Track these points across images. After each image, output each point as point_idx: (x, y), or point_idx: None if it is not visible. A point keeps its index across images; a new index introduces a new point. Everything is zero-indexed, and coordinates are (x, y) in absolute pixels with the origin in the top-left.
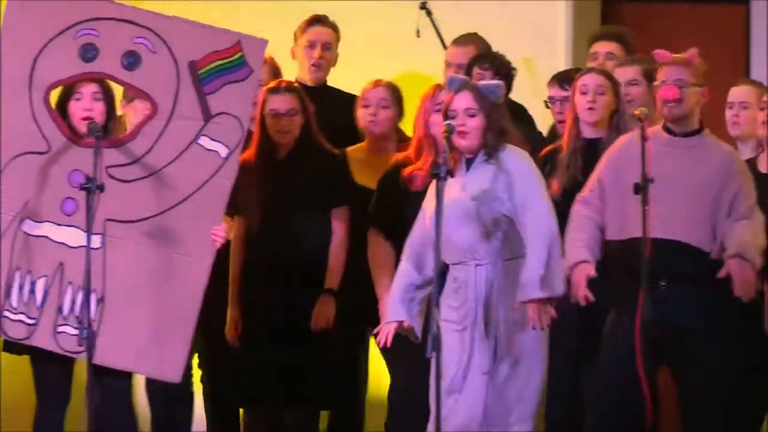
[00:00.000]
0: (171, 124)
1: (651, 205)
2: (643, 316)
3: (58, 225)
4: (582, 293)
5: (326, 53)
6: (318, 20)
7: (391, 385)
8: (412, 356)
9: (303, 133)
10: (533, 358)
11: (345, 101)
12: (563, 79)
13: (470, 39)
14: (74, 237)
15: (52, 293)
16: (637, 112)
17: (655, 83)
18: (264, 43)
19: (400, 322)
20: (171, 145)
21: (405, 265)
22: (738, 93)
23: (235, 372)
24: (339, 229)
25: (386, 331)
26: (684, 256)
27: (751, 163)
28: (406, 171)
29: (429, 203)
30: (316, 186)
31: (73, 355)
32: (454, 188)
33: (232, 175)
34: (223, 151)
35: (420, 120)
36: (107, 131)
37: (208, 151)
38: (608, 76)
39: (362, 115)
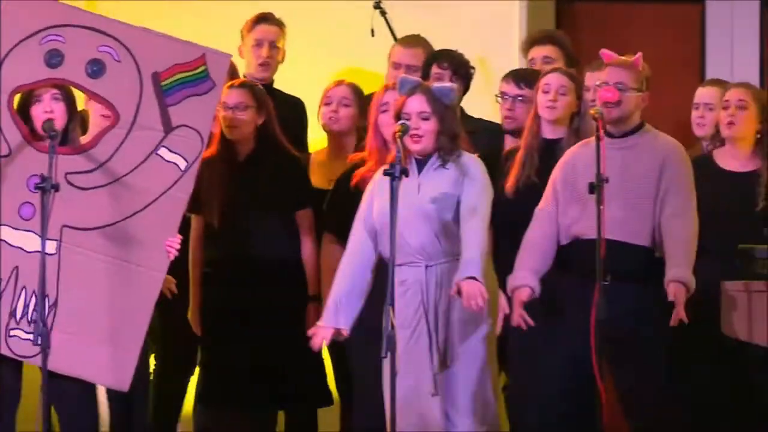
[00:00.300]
0: (132, 134)
1: (589, 206)
2: (598, 315)
3: (15, 229)
4: (516, 319)
5: (273, 51)
6: (264, 18)
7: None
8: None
9: (263, 133)
10: (483, 359)
11: (286, 102)
12: (519, 78)
13: (418, 41)
14: (30, 242)
15: (5, 297)
16: (592, 111)
17: (597, 83)
18: (228, 57)
19: (338, 330)
20: (131, 154)
21: (348, 265)
22: (704, 94)
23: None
24: (306, 234)
25: (322, 335)
26: (623, 255)
27: (707, 157)
28: (357, 174)
29: (376, 201)
30: (277, 187)
31: (25, 360)
32: (408, 189)
33: (189, 189)
34: (182, 164)
35: (370, 121)
36: (67, 132)
37: (167, 163)
38: (572, 77)
39: (323, 113)
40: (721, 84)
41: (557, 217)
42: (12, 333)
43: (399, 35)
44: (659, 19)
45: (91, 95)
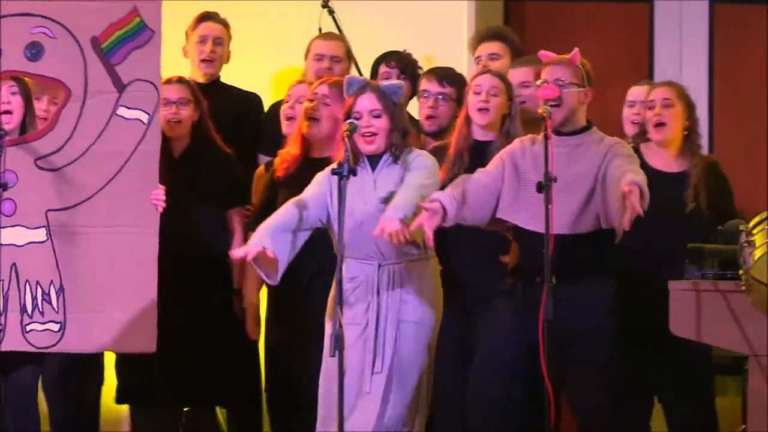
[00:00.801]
0: (87, 104)
1: (535, 202)
2: (546, 315)
3: (2, 227)
4: (415, 224)
5: (217, 48)
6: (208, 17)
7: (270, 385)
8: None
9: (198, 130)
10: (424, 363)
11: (238, 96)
12: (442, 76)
13: (336, 35)
14: (19, 236)
15: (11, 295)
16: (540, 110)
17: (537, 83)
18: (159, 2)
19: (264, 250)
20: (92, 123)
21: (290, 207)
22: (638, 92)
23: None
24: (236, 231)
25: (245, 250)
26: (568, 250)
27: (635, 149)
28: (276, 160)
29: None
30: (211, 184)
31: (47, 350)
32: (366, 185)
33: (157, 140)
34: (144, 117)
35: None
36: (25, 125)
37: (130, 120)
38: (503, 79)
39: (282, 110)
40: (653, 84)
41: (500, 183)
42: (29, 328)
43: (347, 34)
44: (608, 18)
45: (37, 78)
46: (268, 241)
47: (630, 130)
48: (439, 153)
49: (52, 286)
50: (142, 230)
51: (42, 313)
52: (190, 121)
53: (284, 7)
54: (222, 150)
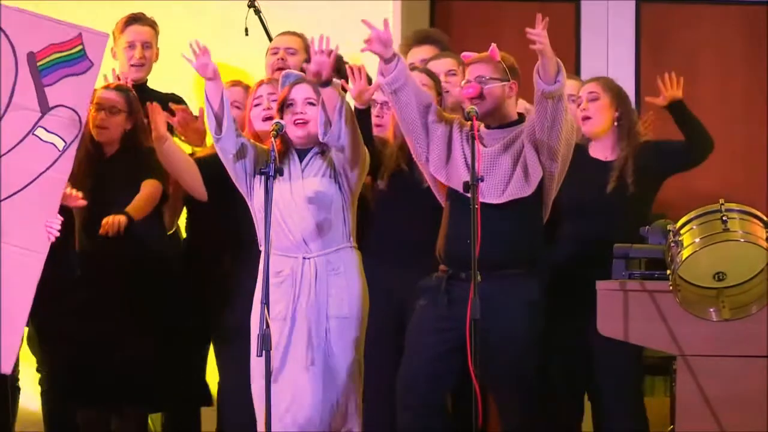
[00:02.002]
0: (7, 114)
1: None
2: (473, 314)
3: None
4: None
5: (147, 52)
6: (135, 19)
7: (220, 385)
8: (241, 355)
9: (129, 139)
10: (355, 353)
11: (163, 101)
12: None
13: (295, 32)
14: None
15: None
16: (467, 110)
17: (461, 83)
18: (105, 37)
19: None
20: (7, 135)
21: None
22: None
23: (64, 370)
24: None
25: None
26: (488, 242)
27: (581, 146)
28: None
29: (257, 196)
30: (138, 180)
31: None
32: (293, 176)
33: (67, 169)
34: (60, 144)
35: (245, 115)
36: None
37: (45, 143)
38: (429, 74)
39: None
40: (577, 78)
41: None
42: None
43: (273, 34)
44: (533, 17)
45: None
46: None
47: None
48: (380, 147)
49: None
50: (29, 254)
51: None
52: (119, 129)
53: (210, 7)
54: (152, 154)
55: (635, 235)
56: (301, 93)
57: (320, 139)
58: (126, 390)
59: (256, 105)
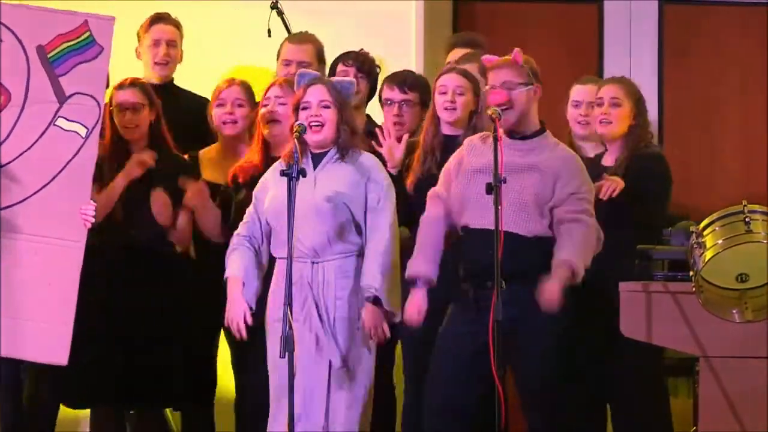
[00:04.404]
0: (26, 110)
1: (482, 200)
2: (495, 316)
3: None
4: (412, 319)
5: (171, 50)
6: (160, 18)
7: (237, 386)
8: (258, 356)
9: (154, 132)
10: (366, 359)
11: (191, 100)
12: (402, 82)
13: (307, 37)
14: None
15: None
16: (490, 111)
17: (485, 89)
18: (111, 20)
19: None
20: (29, 130)
21: (245, 252)
22: (584, 91)
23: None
24: (183, 229)
25: (238, 324)
26: (510, 248)
27: (596, 161)
28: (236, 166)
29: (270, 192)
30: (168, 189)
31: None
32: (304, 184)
33: (93, 155)
34: (82, 131)
35: (257, 116)
36: None
37: (68, 133)
38: (468, 76)
39: (217, 115)
40: (597, 81)
41: (448, 201)
42: None
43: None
44: (557, 18)
45: None
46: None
47: (579, 129)
48: (407, 151)
49: None
50: (68, 243)
51: None
52: (146, 124)
53: (233, 8)
54: (174, 151)
55: (620, 242)
56: (317, 95)
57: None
58: (143, 389)
59: (263, 106)
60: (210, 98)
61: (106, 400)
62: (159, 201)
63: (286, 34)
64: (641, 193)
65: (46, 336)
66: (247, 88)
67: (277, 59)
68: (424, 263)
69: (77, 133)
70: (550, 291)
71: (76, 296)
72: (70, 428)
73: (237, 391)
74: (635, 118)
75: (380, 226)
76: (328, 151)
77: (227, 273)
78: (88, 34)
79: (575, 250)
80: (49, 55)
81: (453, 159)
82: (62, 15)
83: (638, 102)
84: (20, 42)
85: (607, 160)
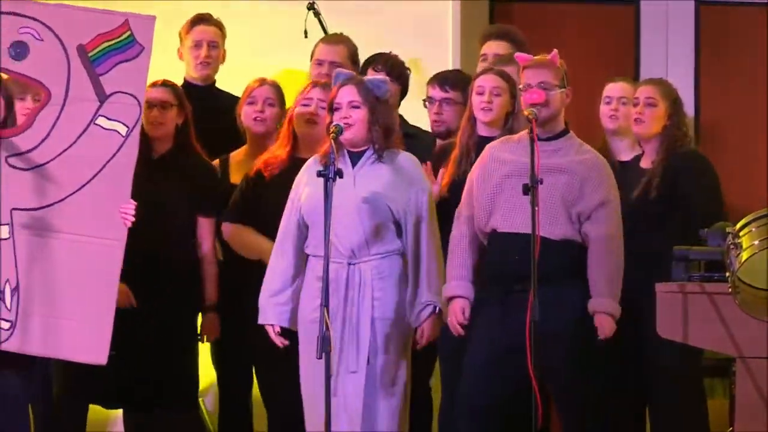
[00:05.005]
0: (66, 109)
1: (507, 204)
2: (533, 316)
3: None
4: (456, 330)
5: (213, 51)
6: (202, 19)
7: (268, 386)
8: (289, 355)
9: (180, 134)
10: (402, 360)
11: (231, 102)
12: (444, 81)
13: (340, 38)
14: None
15: None
16: (526, 112)
17: (519, 87)
18: (152, 19)
19: (273, 326)
20: (69, 129)
21: (281, 262)
22: (616, 88)
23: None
24: (205, 240)
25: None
26: (544, 252)
27: (633, 163)
28: (262, 159)
29: (306, 191)
30: (185, 190)
31: None
32: (344, 183)
33: (133, 153)
34: (123, 130)
35: (289, 112)
36: (6, 126)
37: (108, 131)
38: (505, 77)
39: (247, 113)
40: (631, 81)
41: (472, 217)
42: None
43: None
44: (593, 19)
45: (19, 77)
46: (272, 318)
47: (609, 124)
48: (443, 152)
49: (7, 284)
50: (108, 242)
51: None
52: (173, 124)
53: (269, 9)
54: (201, 157)
55: (657, 244)
56: (346, 96)
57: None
58: (171, 392)
59: (303, 105)
60: None
61: (131, 401)
62: (205, 228)
63: (323, 35)
64: (684, 193)
65: (86, 335)
66: (277, 89)
67: (311, 60)
68: (458, 287)
69: (117, 131)
70: (609, 329)
71: (116, 295)
72: (102, 428)
73: (267, 390)
74: (670, 118)
75: (428, 233)
76: (366, 150)
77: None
78: (128, 33)
79: (611, 290)
80: (89, 55)
81: (476, 170)
82: (103, 14)
83: (674, 103)
84: (61, 41)
85: (644, 162)
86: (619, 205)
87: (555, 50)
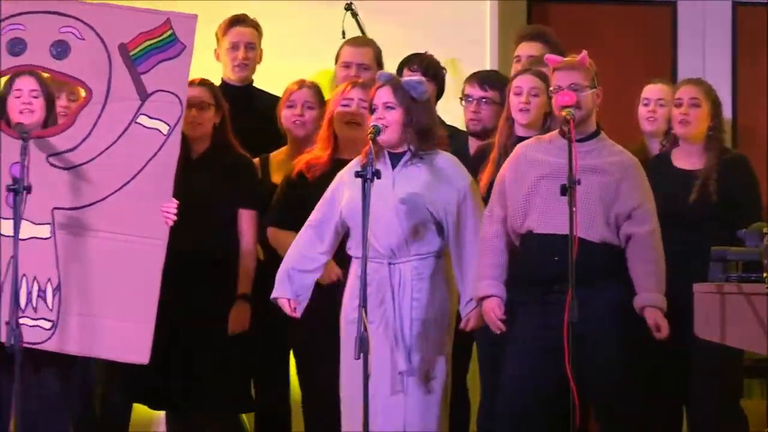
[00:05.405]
0: (107, 107)
1: (542, 205)
2: (571, 317)
3: (4, 218)
4: (497, 326)
5: (250, 53)
6: (239, 20)
7: (305, 387)
8: (323, 358)
9: (218, 132)
10: (441, 360)
11: (268, 102)
12: (484, 80)
13: (366, 40)
14: (23, 229)
15: (5, 287)
16: (564, 113)
17: (551, 89)
18: (194, 18)
19: (288, 300)
20: (110, 127)
21: (305, 236)
22: (654, 90)
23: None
24: (246, 232)
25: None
26: (583, 254)
27: (665, 156)
28: (303, 160)
29: (347, 193)
30: (227, 186)
31: (35, 346)
32: (383, 184)
33: (175, 152)
34: (164, 128)
35: (327, 113)
36: (47, 127)
37: (149, 130)
38: (543, 78)
39: (287, 116)
40: (669, 83)
41: (505, 218)
42: (20, 322)
43: (370, 36)
44: (630, 20)
45: (60, 76)
46: (288, 292)
47: (648, 126)
48: (482, 153)
49: (49, 283)
50: (149, 241)
51: (35, 309)
52: (210, 123)
53: (307, 9)
54: (239, 153)
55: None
56: (382, 98)
57: None
58: (217, 393)
59: (344, 105)
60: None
61: (172, 402)
62: (246, 221)
63: (361, 35)
64: (738, 197)
65: (127, 335)
66: (316, 91)
67: (336, 62)
68: (490, 286)
69: (159, 130)
70: (663, 322)
71: (158, 295)
72: (146, 428)
73: (305, 391)
74: (713, 119)
75: (472, 230)
76: (405, 152)
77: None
78: (170, 32)
79: (658, 285)
80: (131, 53)
81: (507, 171)
82: (144, 13)
83: (715, 103)
84: (102, 40)
85: (683, 162)
86: (654, 203)
87: (584, 51)
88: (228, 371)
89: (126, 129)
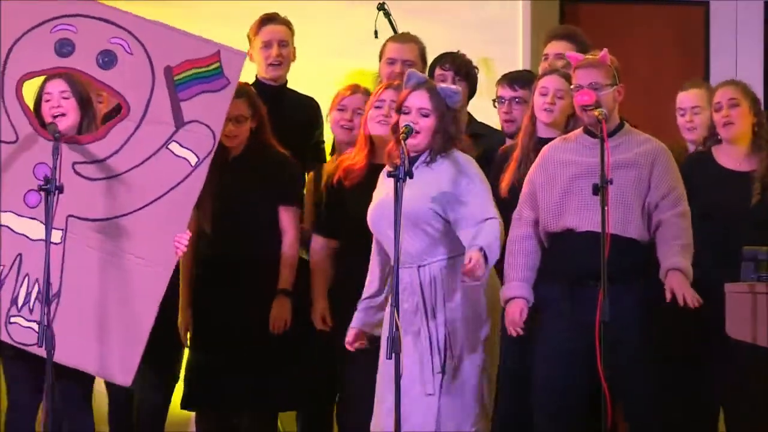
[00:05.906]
0: (142, 127)
1: (575, 203)
2: (602, 317)
3: (20, 216)
4: (515, 328)
5: (283, 50)
6: (270, 19)
7: (344, 387)
8: (360, 358)
9: (255, 134)
10: (482, 359)
11: (303, 103)
12: (513, 80)
13: (410, 37)
14: (35, 230)
15: (7, 283)
16: (596, 113)
17: (571, 87)
18: (243, 55)
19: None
20: (140, 148)
21: (374, 269)
22: (687, 98)
23: (188, 374)
24: (288, 229)
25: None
26: (614, 249)
27: (706, 153)
28: (342, 167)
29: (369, 210)
30: (266, 185)
31: (25, 348)
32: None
33: (198, 186)
34: (193, 159)
35: (364, 115)
36: (81, 129)
37: (178, 158)
38: (569, 80)
39: (336, 119)
40: (701, 84)
41: (535, 220)
42: (12, 320)
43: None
44: (663, 19)
45: (101, 86)
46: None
47: (689, 135)
48: (506, 155)
49: (50, 288)
50: (156, 268)
51: (31, 311)
52: (247, 133)
53: (339, 9)
54: (277, 150)
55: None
56: (417, 102)
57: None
58: (254, 391)
59: (376, 107)
60: (316, 100)
61: (211, 404)
62: (287, 218)
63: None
64: None
65: (115, 354)
66: (368, 97)
67: (380, 59)
68: (519, 287)
69: (187, 160)
70: (692, 297)
71: (152, 322)
72: (180, 428)
73: (338, 390)
74: (755, 115)
75: (482, 204)
76: (421, 155)
77: None
78: (218, 65)
79: (680, 251)
80: (175, 78)
81: (537, 174)
82: (196, 40)
83: (754, 100)
84: (150, 59)
85: (729, 162)
86: (683, 191)
87: (605, 49)
88: (290, 369)
89: (156, 152)
